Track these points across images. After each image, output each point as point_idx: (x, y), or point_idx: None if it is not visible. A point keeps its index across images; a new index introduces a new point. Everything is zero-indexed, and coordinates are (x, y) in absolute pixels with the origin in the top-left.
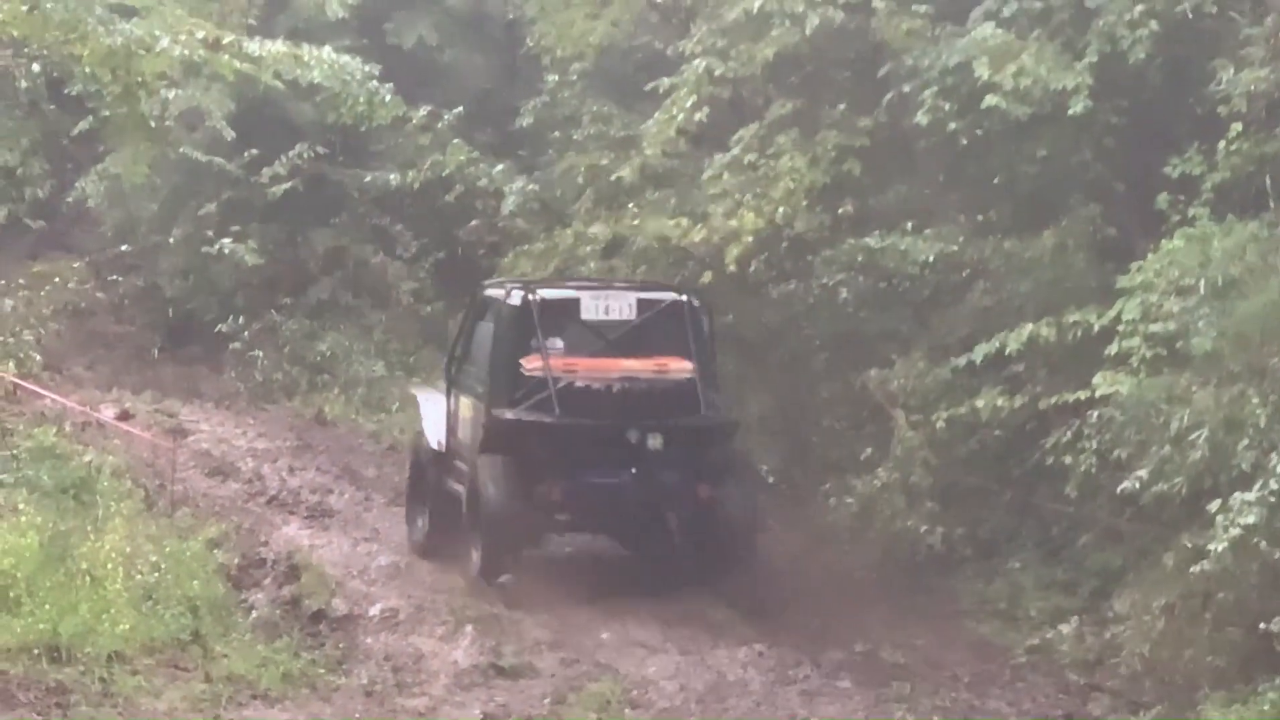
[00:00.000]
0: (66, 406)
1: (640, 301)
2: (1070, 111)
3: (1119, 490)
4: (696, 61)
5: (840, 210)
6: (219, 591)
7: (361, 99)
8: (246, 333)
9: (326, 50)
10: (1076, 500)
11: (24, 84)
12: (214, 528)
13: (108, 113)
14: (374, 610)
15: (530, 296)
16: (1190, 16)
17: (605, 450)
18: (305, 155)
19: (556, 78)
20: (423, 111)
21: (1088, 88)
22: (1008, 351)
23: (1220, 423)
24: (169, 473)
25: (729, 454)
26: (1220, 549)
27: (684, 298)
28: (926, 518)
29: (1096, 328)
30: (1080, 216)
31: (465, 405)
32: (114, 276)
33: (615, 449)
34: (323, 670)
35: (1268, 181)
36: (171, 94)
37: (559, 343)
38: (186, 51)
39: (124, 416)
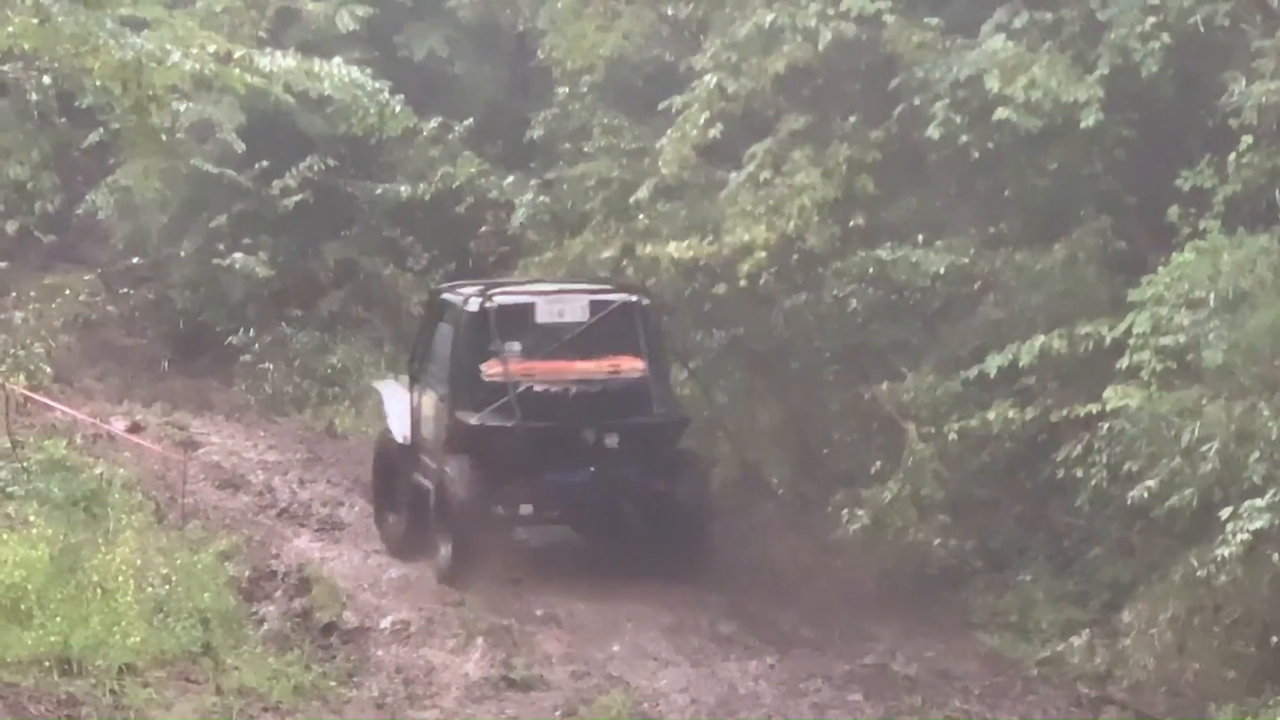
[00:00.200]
0: (77, 419)
1: (592, 303)
2: (1082, 124)
3: (1129, 502)
4: (708, 77)
5: (851, 223)
6: (230, 604)
7: (372, 111)
8: (257, 345)
9: (337, 62)
10: (1087, 513)
11: (35, 97)
12: (225, 540)
13: (118, 125)
14: (385, 623)
15: (488, 304)
16: (1202, 29)
17: (565, 449)
18: (316, 167)
19: (567, 90)
20: (433, 123)
21: (1099, 100)
22: (1019, 364)
23: (1231, 435)
24: (180, 485)
25: (680, 448)
26: (1229, 554)
27: (634, 298)
28: (937, 530)
29: (1108, 340)
30: (1091, 229)
31: (428, 403)
32: (125, 289)
33: (575, 448)
34: (334, 683)
35: (1278, 195)
36: (182, 106)
37: (516, 346)
38: (197, 65)
39: (135, 429)
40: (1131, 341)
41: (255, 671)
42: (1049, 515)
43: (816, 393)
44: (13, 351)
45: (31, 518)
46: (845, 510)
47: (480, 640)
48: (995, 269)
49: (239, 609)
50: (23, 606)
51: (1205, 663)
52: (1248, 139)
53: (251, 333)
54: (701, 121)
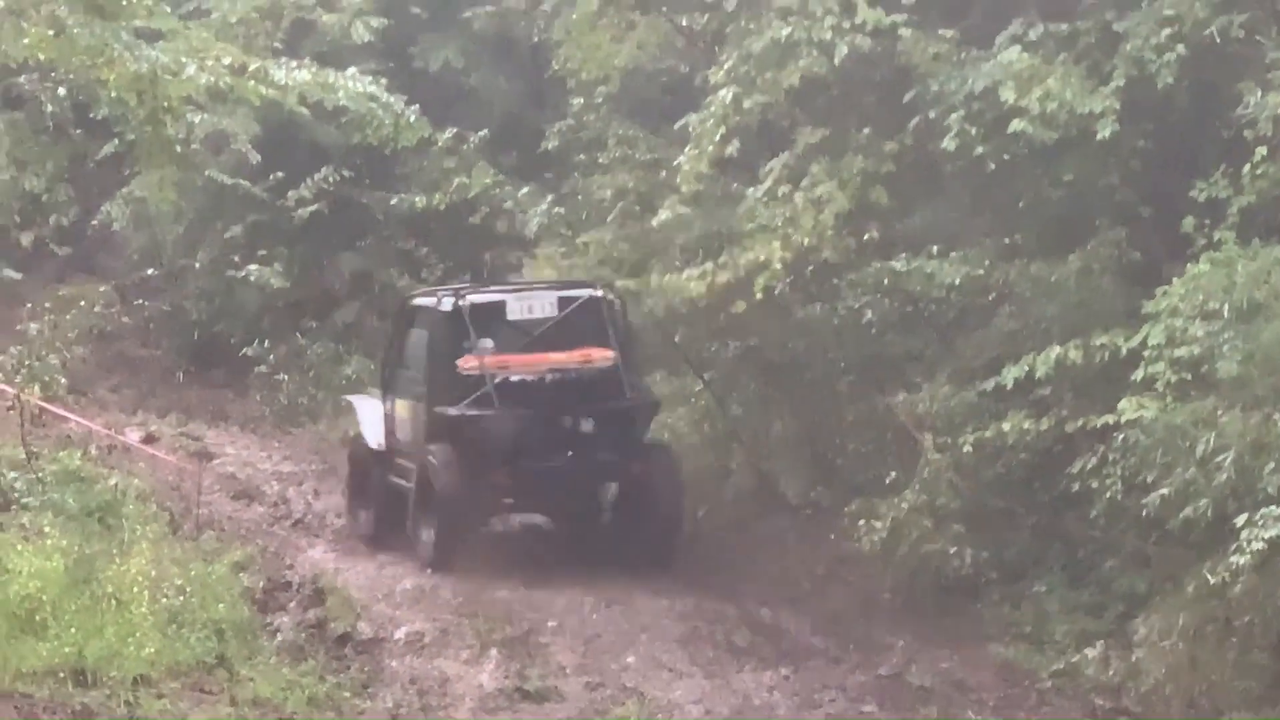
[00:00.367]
0: (92, 430)
1: (560, 299)
2: (1097, 136)
3: (1144, 513)
4: (723, 92)
5: (867, 235)
6: (244, 615)
7: (387, 121)
8: (272, 356)
9: (351, 73)
10: (1103, 524)
11: (50, 108)
12: (239, 551)
13: (133, 137)
14: (399, 633)
15: (460, 303)
16: (1217, 40)
17: (542, 436)
18: (331, 179)
19: (582, 101)
20: (449, 134)
21: (1114, 112)
22: (1035, 375)
23: (1246, 446)
24: (194, 496)
25: (653, 438)
26: (1244, 563)
27: (599, 293)
28: (952, 541)
29: (1123, 351)
30: (1106, 240)
31: (403, 407)
32: (140, 300)
33: (551, 434)
34: (348, 694)
35: None
36: (197, 118)
37: (489, 342)
38: (212, 77)
39: (149, 440)
40: (1146, 353)
41: (270, 682)
42: (1064, 526)
43: (832, 403)
44: (28, 362)
45: (46, 529)
46: (861, 521)
47: (494, 651)
48: (1010, 280)
49: (253, 620)
50: (37, 617)
51: (1220, 673)
52: (1263, 150)
53: (266, 344)
54: (718, 137)
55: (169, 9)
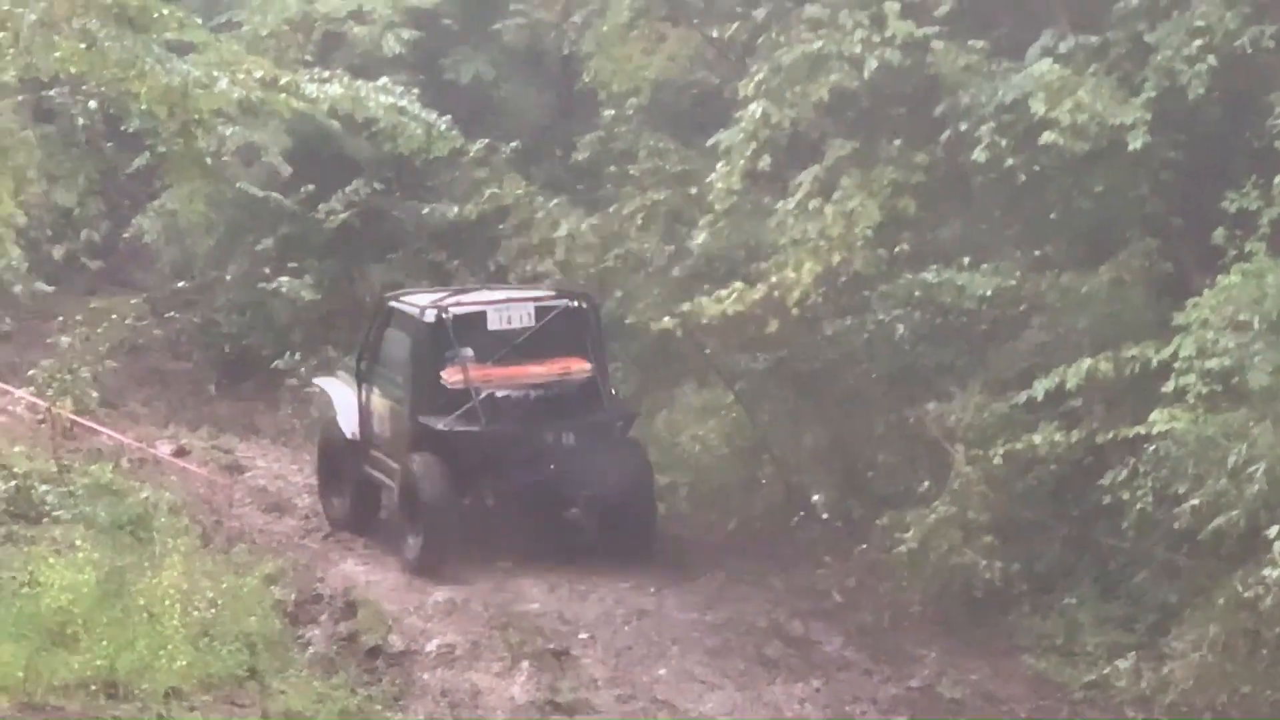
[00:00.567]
0: (123, 443)
1: (538, 309)
2: (1128, 147)
3: (1176, 525)
4: (753, 106)
5: (897, 247)
6: (276, 628)
7: (418, 132)
8: (303, 368)
9: (383, 82)
10: (1134, 535)
11: (81, 121)
12: (270, 564)
13: (164, 150)
14: (431, 646)
15: (444, 315)
16: (1249, 51)
17: (526, 449)
18: (362, 190)
19: (613, 113)
20: (480, 145)
21: (1145, 123)
22: (1066, 386)
23: (1278, 458)
24: (225, 509)
25: (628, 441)
26: (1276, 575)
27: (576, 302)
28: (983, 552)
29: (1154, 363)
30: (1137, 251)
31: (381, 404)
32: (171, 313)
33: (535, 448)
34: (380, 706)
35: None
36: (228, 131)
37: (470, 352)
38: (244, 91)
39: (180, 453)
40: (1177, 365)
41: (301, 695)
42: (1095, 538)
43: (862, 415)
44: (60, 376)
45: (78, 542)
46: (891, 532)
47: (526, 664)
48: (1041, 292)
49: (285, 633)
50: (69, 630)
51: (1253, 685)
52: None
53: (297, 356)
54: (749, 151)
55: (200, 22)
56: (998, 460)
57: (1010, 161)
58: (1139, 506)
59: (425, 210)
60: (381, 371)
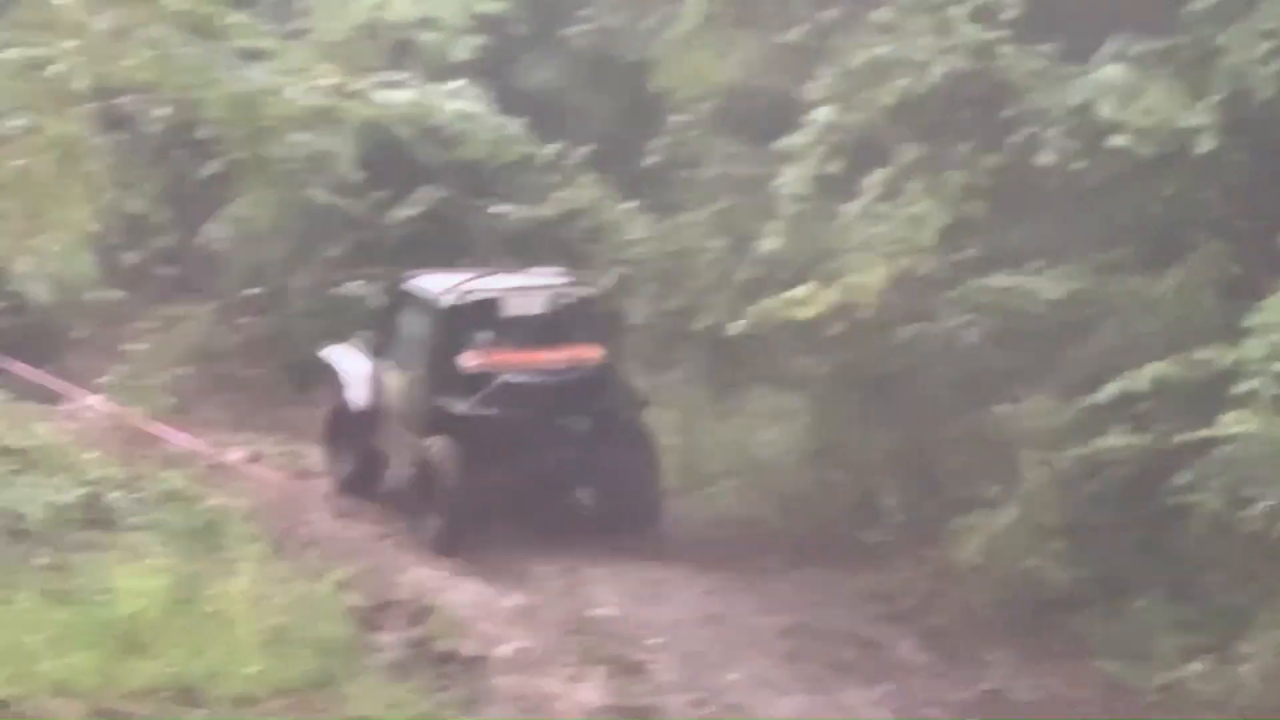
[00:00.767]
0: (196, 449)
1: (553, 295)
2: (1196, 150)
3: (1247, 527)
4: (822, 110)
5: (966, 251)
6: (348, 633)
7: (488, 137)
8: None
9: (454, 86)
10: (1206, 538)
11: (152, 129)
12: (343, 569)
13: (235, 156)
14: (503, 651)
15: (461, 300)
16: None
17: (541, 434)
18: (432, 196)
19: (682, 118)
20: (549, 149)
21: (1214, 126)
22: (1135, 390)
23: None
24: (298, 514)
25: (639, 427)
26: None
27: (590, 289)
28: (1052, 556)
29: (1224, 366)
30: (1206, 254)
31: (395, 380)
32: (243, 319)
33: (549, 432)
34: (452, 711)
35: None
36: (298, 137)
37: (487, 336)
38: (313, 98)
39: (253, 459)
40: (1247, 367)
41: (373, 701)
42: (1167, 541)
43: (933, 419)
44: (132, 382)
45: (150, 548)
46: (960, 536)
47: (599, 669)
48: (1110, 295)
49: (357, 638)
50: (142, 637)
51: None
52: None
53: None
54: (817, 156)
55: (269, 29)
56: (1069, 464)
57: (1078, 165)
58: (1210, 509)
59: (495, 215)
60: (397, 349)
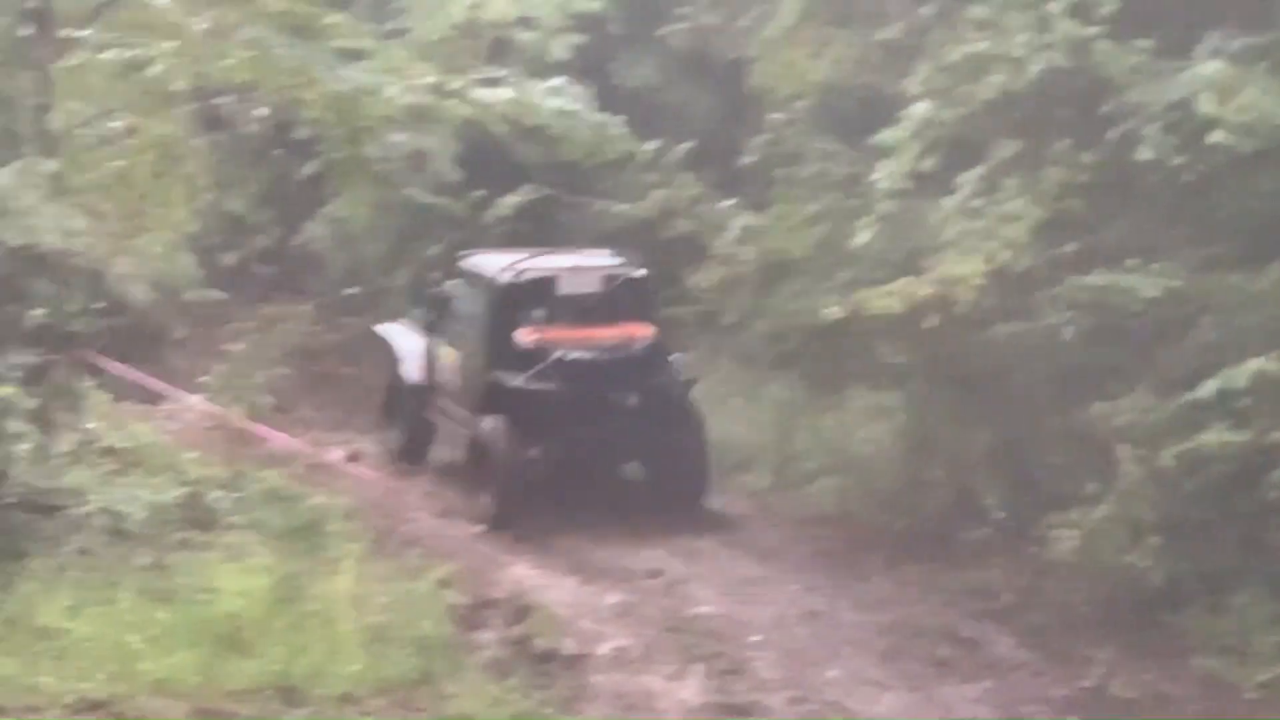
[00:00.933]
0: (296, 448)
1: (605, 276)
2: None
3: None
4: (919, 105)
5: (1063, 248)
6: (448, 631)
7: (588, 135)
8: None
9: (555, 83)
10: None
11: (251, 129)
12: (443, 568)
13: (334, 156)
14: (603, 649)
15: (518, 277)
16: None
17: (593, 409)
18: (531, 195)
19: (780, 116)
20: (649, 147)
21: None
22: (1235, 386)
23: None
24: (398, 513)
25: (687, 404)
26: None
27: (641, 271)
28: (1150, 552)
29: None
30: None
31: (448, 355)
32: (342, 319)
33: (601, 408)
34: (553, 710)
35: None
36: (396, 137)
37: (541, 313)
38: (412, 97)
39: (353, 457)
40: None
41: (474, 699)
42: (1267, 537)
43: (1030, 416)
44: (232, 382)
45: (251, 547)
46: (1058, 532)
47: (699, 666)
48: (1209, 291)
49: (458, 636)
50: (244, 636)
51: None
52: None
53: None
54: (914, 151)
55: (368, 29)
56: (1168, 461)
57: (1177, 161)
58: None
59: (595, 214)
60: (452, 326)
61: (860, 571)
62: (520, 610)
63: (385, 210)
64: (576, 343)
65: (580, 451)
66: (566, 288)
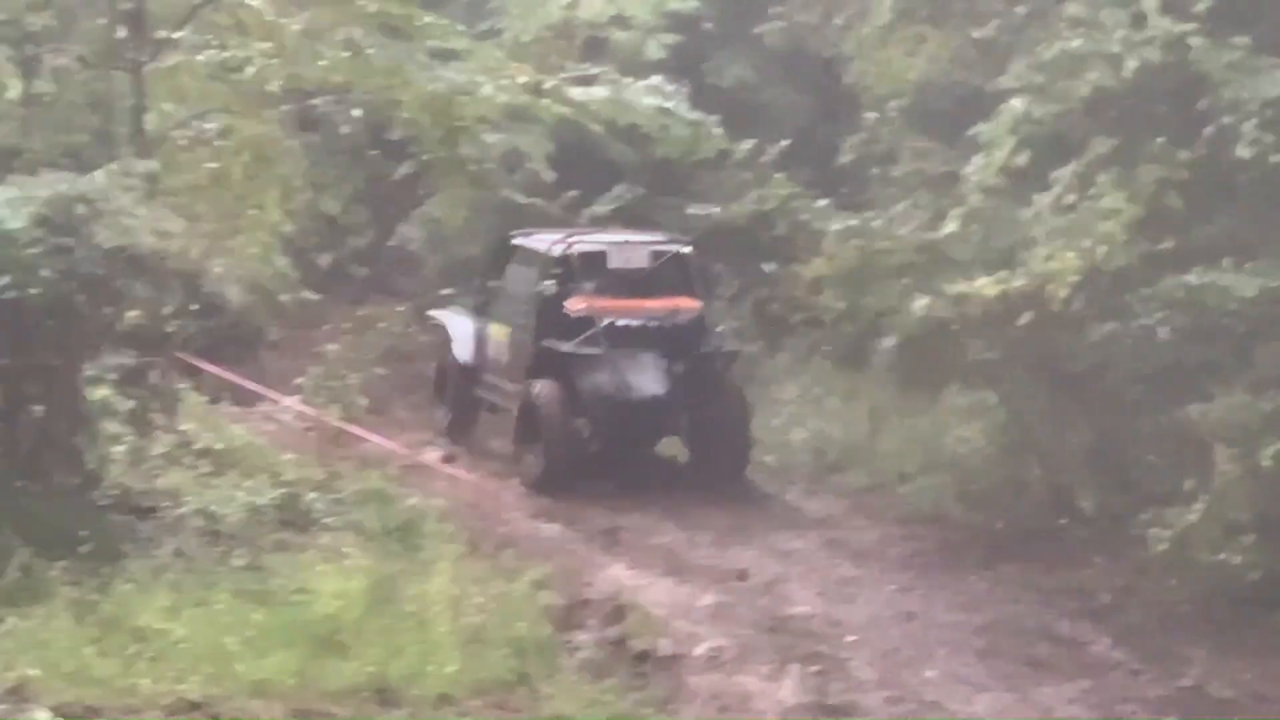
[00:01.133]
0: (391, 449)
1: (653, 252)
2: None
3: None
4: (1014, 101)
5: (1159, 246)
6: (544, 632)
7: (684, 134)
8: None
9: (652, 81)
10: None
11: (346, 130)
12: (539, 569)
13: (428, 157)
14: (699, 649)
15: (570, 250)
16: None
17: (640, 374)
18: (626, 195)
19: (875, 115)
20: (745, 146)
21: None
22: None
23: None
24: (493, 514)
25: (730, 378)
26: None
27: (687, 249)
28: (1245, 551)
29: None
30: None
31: (499, 332)
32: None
33: (648, 373)
34: (649, 710)
35: None
36: (491, 137)
37: (591, 285)
38: (507, 96)
39: (448, 459)
40: None
41: (570, 700)
42: None
43: (1126, 414)
44: (327, 383)
45: (347, 549)
46: (1153, 531)
47: (795, 666)
48: None
49: (553, 637)
50: (340, 637)
51: None
52: None
53: None
54: (1009, 147)
55: (462, 30)
56: (1265, 460)
57: (1275, 159)
58: None
59: (690, 213)
60: (503, 304)
61: (956, 571)
62: (616, 611)
63: (480, 211)
64: (624, 312)
65: (626, 416)
66: (616, 261)
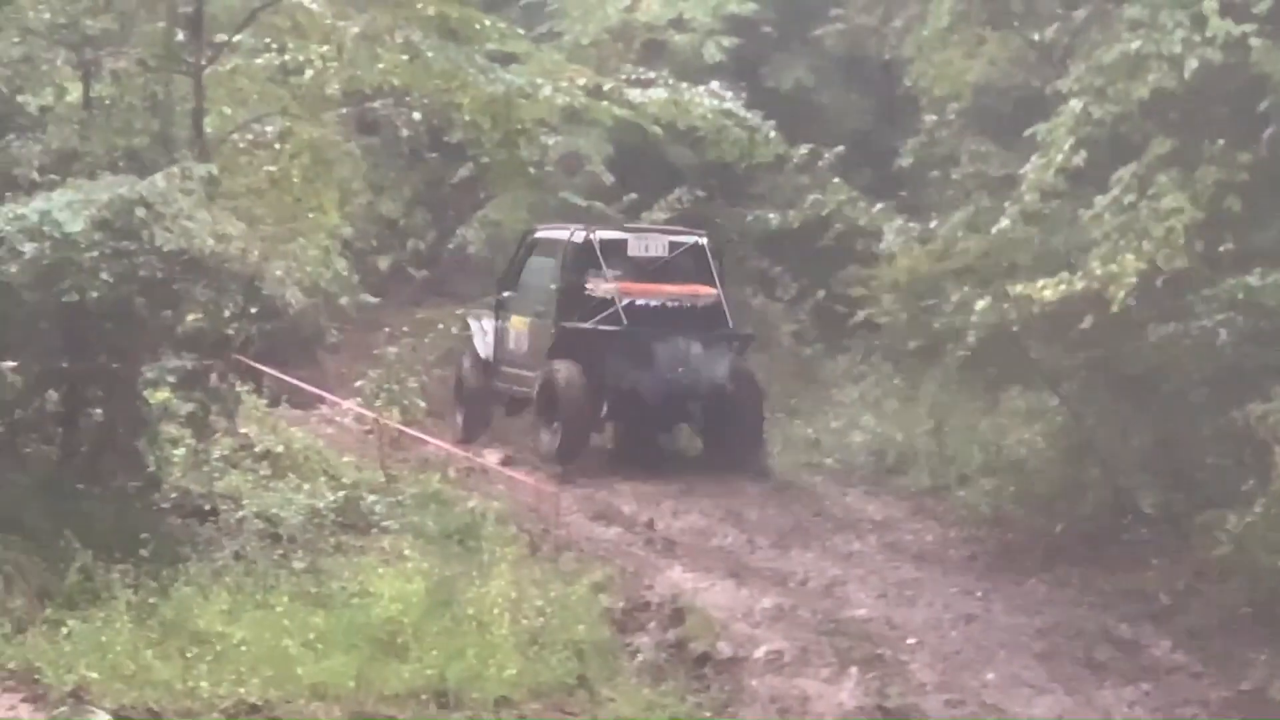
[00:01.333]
0: (450, 452)
1: (671, 243)
2: None
3: None
4: (1073, 102)
5: (1220, 247)
6: (604, 635)
7: (743, 137)
8: None
9: (713, 85)
10: None
11: (405, 133)
12: (598, 571)
13: (488, 159)
14: (759, 652)
15: (591, 236)
16: None
17: (656, 355)
18: (684, 198)
19: (934, 117)
20: (803, 150)
21: None
22: None
23: None
24: (553, 517)
25: (743, 362)
26: None
27: (704, 240)
28: None
29: None
30: None
31: (519, 323)
32: None
33: (664, 354)
34: (709, 713)
35: None
36: (551, 140)
37: (611, 272)
38: (567, 99)
39: (507, 461)
40: None
41: (630, 703)
42: None
43: (1187, 416)
44: (387, 386)
45: (406, 551)
46: (1213, 533)
47: (854, 669)
48: None
49: (613, 640)
50: (399, 640)
51: None
52: None
53: None
54: (1067, 147)
55: (521, 32)
56: None
57: None
58: None
59: (749, 218)
60: (523, 295)
61: (1016, 574)
62: (675, 614)
63: (539, 213)
64: (643, 294)
65: (642, 394)
66: (634, 250)
